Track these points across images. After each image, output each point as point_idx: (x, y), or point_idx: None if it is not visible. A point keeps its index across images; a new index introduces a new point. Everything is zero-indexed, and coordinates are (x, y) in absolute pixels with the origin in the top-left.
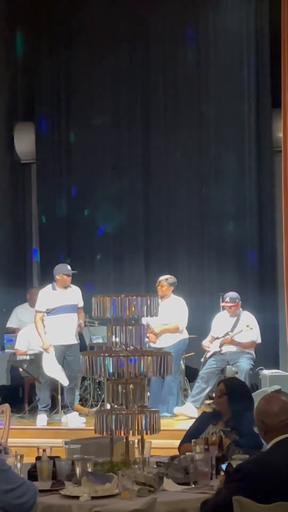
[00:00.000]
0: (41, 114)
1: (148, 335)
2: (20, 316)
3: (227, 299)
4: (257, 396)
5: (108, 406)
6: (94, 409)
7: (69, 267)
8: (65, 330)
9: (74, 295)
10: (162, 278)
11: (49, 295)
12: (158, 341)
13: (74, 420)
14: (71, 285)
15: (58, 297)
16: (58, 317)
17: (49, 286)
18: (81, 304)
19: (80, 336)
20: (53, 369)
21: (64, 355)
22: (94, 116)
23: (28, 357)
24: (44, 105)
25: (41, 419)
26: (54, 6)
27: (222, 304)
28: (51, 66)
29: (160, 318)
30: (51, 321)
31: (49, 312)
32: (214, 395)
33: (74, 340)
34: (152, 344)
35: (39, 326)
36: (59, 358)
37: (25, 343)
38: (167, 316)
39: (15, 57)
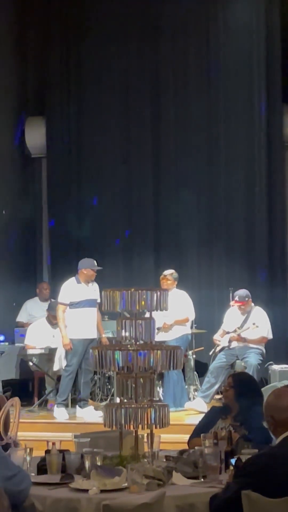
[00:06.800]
0: (52, 109)
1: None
2: (30, 310)
3: (236, 298)
4: (266, 391)
5: (118, 400)
6: (104, 403)
7: (95, 263)
8: (88, 324)
9: (95, 290)
10: (167, 272)
11: (73, 288)
12: (161, 334)
13: (90, 414)
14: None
15: (82, 290)
16: (82, 310)
17: (73, 279)
18: (99, 300)
19: None
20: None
21: (86, 349)
22: (104, 111)
23: (38, 351)
24: (55, 100)
25: (62, 413)
26: (66, 1)
27: (231, 303)
28: (61, 61)
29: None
30: (74, 314)
31: (72, 305)
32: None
33: (95, 335)
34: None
35: (62, 320)
36: (82, 352)
37: (35, 337)
38: (170, 309)
39: (26, 52)
